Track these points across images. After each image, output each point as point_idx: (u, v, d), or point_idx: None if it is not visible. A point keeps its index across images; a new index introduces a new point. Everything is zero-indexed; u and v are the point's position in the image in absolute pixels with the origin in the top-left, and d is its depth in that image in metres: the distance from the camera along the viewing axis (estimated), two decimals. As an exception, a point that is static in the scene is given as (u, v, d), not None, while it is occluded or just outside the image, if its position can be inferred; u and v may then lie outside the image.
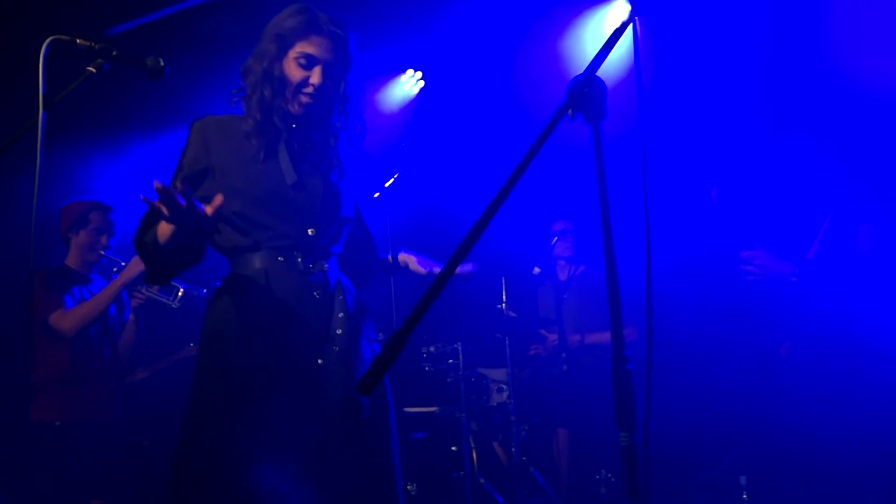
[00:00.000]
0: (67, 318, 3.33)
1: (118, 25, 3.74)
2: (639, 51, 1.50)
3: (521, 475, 4.27)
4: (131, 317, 3.64)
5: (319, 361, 1.88)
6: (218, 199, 1.74)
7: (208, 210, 1.73)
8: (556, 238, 4.62)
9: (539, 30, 4.73)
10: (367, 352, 2.03)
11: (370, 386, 1.02)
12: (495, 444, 4.61)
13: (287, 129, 1.99)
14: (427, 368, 4.51)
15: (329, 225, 1.99)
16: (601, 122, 1.30)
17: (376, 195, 4.14)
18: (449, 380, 4.38)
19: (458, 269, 2.04)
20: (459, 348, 4.37)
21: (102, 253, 3.52)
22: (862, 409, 2.83)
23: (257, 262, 1.92)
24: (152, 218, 1.88)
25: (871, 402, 2.84)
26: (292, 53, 1.95)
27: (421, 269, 2.25)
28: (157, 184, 1.65)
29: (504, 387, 4.56)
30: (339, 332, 1.91)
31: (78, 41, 1.89)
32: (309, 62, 1.95)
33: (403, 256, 2.26)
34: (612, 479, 4.17)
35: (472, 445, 4.23)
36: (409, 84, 5.43)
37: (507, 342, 4.46)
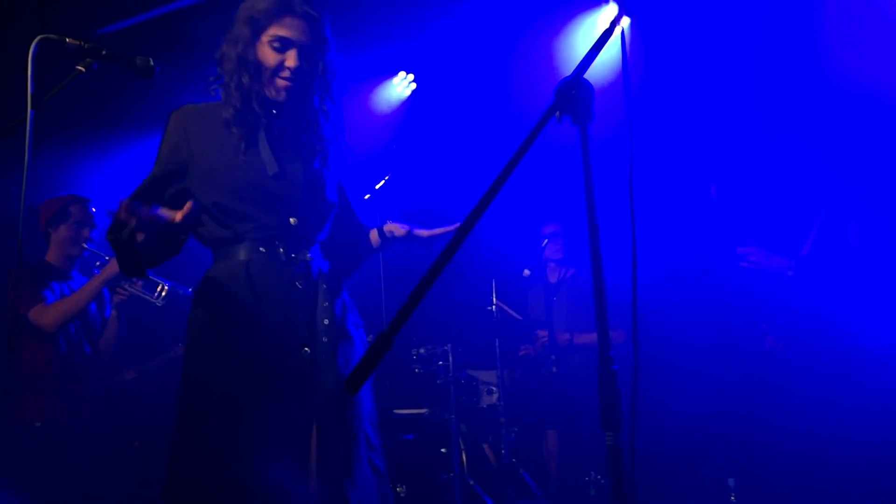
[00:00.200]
0: (48, 314, 3.26)
1: (108, 25, 3.72)
2: (626, 53, 1.51)
3: (510, 477, 4.27)
4: (113, 313, 3.56)
5: (306, 350, 1.86)
6: (188, 205, 1.75)
7: (177, 217, 1.74)
8: (546, 240, 4.63)
9: (530, 33, 4.75)
10: (357, 339, 2.01)
11: (358, 385, 1.03)
12: (485, 446, 4.61)
13: (268, 116, 1.95)
14: (417, 370, 4.50)
15: (312, 213, 1.97)
16: (588, 124, 1.31)
17: (367, 197, 4.14)
18: (438, 381, 4.38)
19: (443, 229, 2.04)
20: (449, 350, 4.37)
21: (85, 246, 3.45)
22: (851, 410, 2.85)
23: (240, 254, 1.90)
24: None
25: (861, 403, 2.86)
26: (265, 37, 1.92)
27: (402, 230, 2.15)
28: (122, 203, 1.68)
29: (494, 388, 4.56)
30: (325, 321, 1.89)
31: (67, 40, 1.89)
32: (283, 45, 1.91)
33: (389, 226, 2.18)
34: (602, 481, 4.18)
35: (462, 447, 4.23)
36: (400, 86, 5.43)
37: (497, 344, 4.47)
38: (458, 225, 1.98)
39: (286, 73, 1.91)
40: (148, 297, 3.50)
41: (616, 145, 2.06)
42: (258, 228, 1.90)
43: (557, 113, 1.31)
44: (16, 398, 3.30)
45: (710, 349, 4.27)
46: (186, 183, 1.95)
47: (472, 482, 4.16)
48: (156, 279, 3.51)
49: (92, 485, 3.36)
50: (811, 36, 3.83)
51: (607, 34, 1.42)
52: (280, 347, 1.85)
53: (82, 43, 1.92)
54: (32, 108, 1.77)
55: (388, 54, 5.08)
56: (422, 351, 4.46)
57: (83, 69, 1.90)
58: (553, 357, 4.40)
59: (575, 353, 4.50)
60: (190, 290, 3.63)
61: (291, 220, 1.92)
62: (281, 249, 1.90)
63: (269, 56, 1.92)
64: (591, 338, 4.49)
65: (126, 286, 3.48)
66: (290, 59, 1.91)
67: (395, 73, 5.39)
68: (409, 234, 2.14)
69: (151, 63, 1.98)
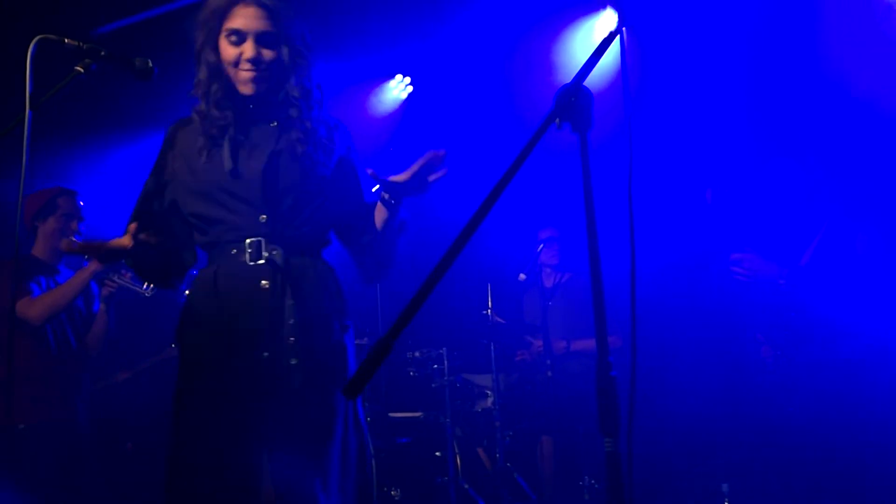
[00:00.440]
0: (34, 307, 3.17)
1: (106, 25, 3.71)
2: (626, 61, 1.52)
3: (504, 481, 4.27)
4: (102, 307, 3.46)
5: (265, 355, 1.81)
6: (132, 226, 1.78)
7: (125, 241, 1.79)
8: (542, 245, 4.64)
9: (527, 37, 4.76)
10: (337, 340, 1.91)
11: (356, 391, 1.03)
12: (479, 450, 4.61)
13: (241, 113, 1.93)
14: (412, 373, 4.50)
15: (282, 207, 1.89)
16: (588, 131, 1.32)
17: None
18: (434, 385, 4.38)
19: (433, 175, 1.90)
20: (444, 353, 4.38)
21: (74, 239, 3.34)
22: (846, 417, 2.86)
23: (215, 258, 1.91)
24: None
25: (855, 410, 2.87)
26: (223, 33, 1.90)
27: (400, 177, 1.96)
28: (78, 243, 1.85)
29: (489, 392, 4.56)
30: (291, 321, 1.82)
31: (66, 41, 1.89)
32: (239, 37, 1.89)
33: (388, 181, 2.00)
34: (596, 486, 4.18)
35: (457, 451, 4.23)
36: (397, 89, 5.44)
37: (492, 348, 4.47)
38: (430, 155, 1.91)
39: (245, 66, 1.88)
40: (136, 289, 3.40)
41: (611, 150, 2.07)
42: (230, 230, 1.89)
43: (557, 120, 1.32)
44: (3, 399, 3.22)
45: (704, 354, 4.28)
46: (172, 194, 1.97)
47: (466, 486, 4.16)
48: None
49: (85, 486, 3.33)
50: (810, 42, 3.85)
51: (606, 42, 1.42)
52: (239, 352, 1.82)
53: (81, 43, 1.91)
54: (31, 108, 1.77)
55: (385, 57, 5.08)
56: (417, 354, 4.46)
57: (82, 70, 1.90)
58: (548, 362, 4.40)
59: (571, 359, 4.51)
60: None
61: (262, 217, 1.87)
62: (250, 250, 1.86)
63: (227, 51, 1.90)
64: (586, 344, 4.50)
65: (115, 278, 3.38)
66: (247, 49, 1.88)
67: (392, 76, 5.39)
68: (400, 182, 1.93)
69: (150, 64, 1.97)
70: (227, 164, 1.88)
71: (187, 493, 1.78)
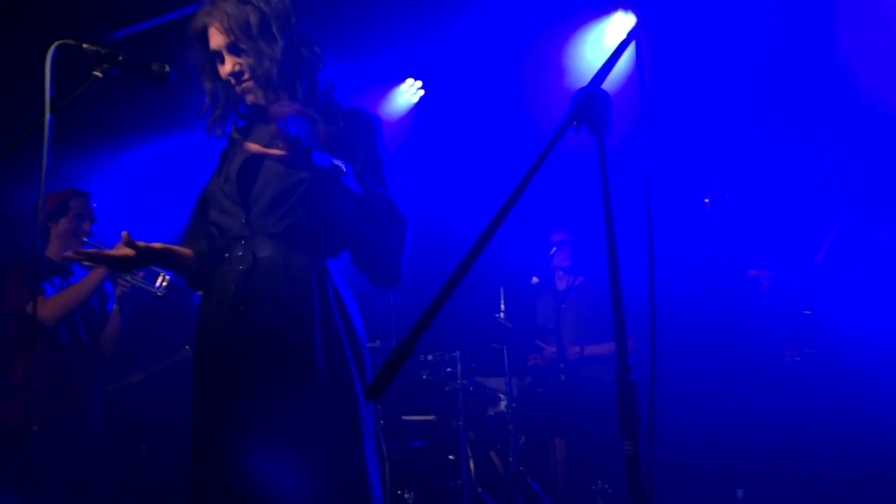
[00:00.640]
0: (47, 306, 3.18)
1: (124, 29, 3.74)
2: (642, 64, 1.52)
3: (518, 485, 4.26)
4: (115, 307, 3.48)
5: (232, 356, 1.82)
6: (123, 235, 1.81)
7: (124, 250, 1.86)
8: (554, 248, 4.63)
9: (539, 40, 4.76)
10: (307, 336, 1.80)
11: (378, 391, 1.03)
12: (492, 454, 4.60)
13: (253, 122, 2.00)
14: (425, 376, 4.50)
15: (260, 205, 1.87)
16: (606, 133, 1.31)
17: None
18: (447, 388, 4.37)
19: None
20: (458, 357, 4.37)
21: (86, 240, 3.39)
22: (864, 421, 2.83)
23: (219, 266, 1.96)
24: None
25: (873, 414, 2.84)
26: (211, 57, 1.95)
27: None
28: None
29: (502, 396, 4.56)
30: (254, 324, 1.82)
31: (84, 46, 1.91)
32: (219, 57, 1.92)
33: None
34: (609, 490, 4.17)
35: (470, 454, 4.22)
36: (408, 93, 5.45)
37: (505, 352, 4.46)
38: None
39: (233, 81, 1.92)
40: (149, 288, 3.39)
41: (623, 152, 2.06)
42: (226, 233, 1.94)
43: (575, 123, 1.31)
44: (11, 399, 3.22)
45: (719, 358, 4.26)
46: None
47: (479, 489, 4.16)
48: (157, 269, 3.42)
49: (99, 489, 3.33)
50: (827, 41, 3.82)
51: (624, 45, 1.42)
52: (212, 356, 1.86)
53: (99, 48, 1.94)
54: (50, 112, 1.79)
55: (396, 60, 5.09)
56: (430, 357, 4.46)
57: (100, 74, 1.93)
58: (562, 366, 4.40)
59: (584, 364, 4.50)
60: None
61: (242, 219, 1.89)
62: (239, 252, 1.88)
63: (220, 72, 1.95)
64: (599, 348, 4.49)
65: (127, 277, 3.39)
66: (225, 68, 1.92)
67: (403, 79, 5.40)
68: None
69: (167, 69, 2.00)
70: (225, 170, 1.97)
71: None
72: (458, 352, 4.39)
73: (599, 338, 4.51)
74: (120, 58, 1.95)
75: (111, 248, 3.20)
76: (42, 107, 1.80)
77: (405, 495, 3.98)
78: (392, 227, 1.86)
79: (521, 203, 1.20)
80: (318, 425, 1.76)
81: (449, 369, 4.40)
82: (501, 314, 4.55)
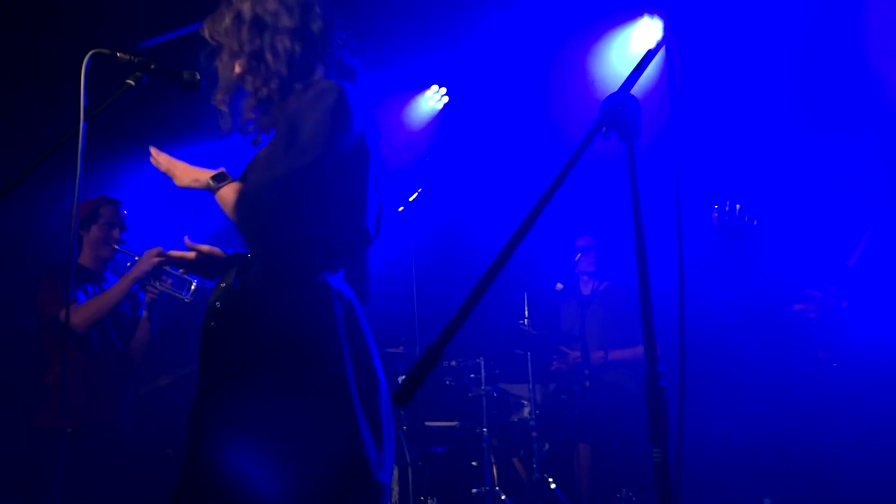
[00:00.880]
0: (79, 313, 3.22)
1: (156, 37, 3.80)
2: (672, 69, 1.51)
3: (541, 491, 4.24)
4: (145, 314, 3.52)
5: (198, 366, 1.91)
6: (186, 240, 1.94)
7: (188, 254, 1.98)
8: (579, 254, 4.61)
9: (564, 46, 4.75)
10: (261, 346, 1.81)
11: (407, 397, 1.03)
12: (516, 460, 4.58)
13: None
14: (448, 382, 4.50)
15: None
16: (636, 139, 1.31)
17: (400, 209, 4.18)
18: (470, 394, 4.37)
19: None
20: (481, 363, 4.37)
21: (116, 247, 3.44)
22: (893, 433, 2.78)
23: None
24: None
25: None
26: None
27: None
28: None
29: (525, 403, 4.54)
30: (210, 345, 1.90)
31: (118, 55, 1.94)
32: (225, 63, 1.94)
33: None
34: (633, 498, 4.13)
35: (493, 461, 4.22)
36: (433, 100, 5.47)
37: (528, 358, 4.45)
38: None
39: (240, 83, 1.93)
40: (177, 294, 3.43)
41: (650, 158, 2.05)
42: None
43: (604, 128, 1.31)
44: (45, 402, 3.28)
45: (748, 366, 4.21)
46: None
47: (503, 496, 4.14)
48: (186, 277, 3.46)
49: (124, 493, 3.36)
50: (858, 46, 3.77)
51: (653, 52, 1.42)
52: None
53: (132, 57, 1.97)
54: (85, 120, 1.82)
55: (421, 67, 5.11)
56: (453, 363, 4.46)
57: (133, 83, 1.96)
58: (586, 372, 4.37)
59: (608, 370, 4.47)
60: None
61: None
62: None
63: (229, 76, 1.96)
64: (624, 354, 4.46)
65: (156, 284, 3.42)
66: (230, 71, 1.94)
67: (428, 86, 5.42)
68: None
69: (198, 77, 2.03)
70: None
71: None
72: (481, 358, 4.39)
73: (624, 343, 4.49)
74: (152, 66, 1.98)
75: (140, 255, 3.27)
76: (74, 115, 1.83)
77: (428, 501, 3.97)
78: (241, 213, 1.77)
79: (546, 208, 1.20)
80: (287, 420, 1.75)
81: (472, 375, 4.39)
82: (525, 321, 4.54)
